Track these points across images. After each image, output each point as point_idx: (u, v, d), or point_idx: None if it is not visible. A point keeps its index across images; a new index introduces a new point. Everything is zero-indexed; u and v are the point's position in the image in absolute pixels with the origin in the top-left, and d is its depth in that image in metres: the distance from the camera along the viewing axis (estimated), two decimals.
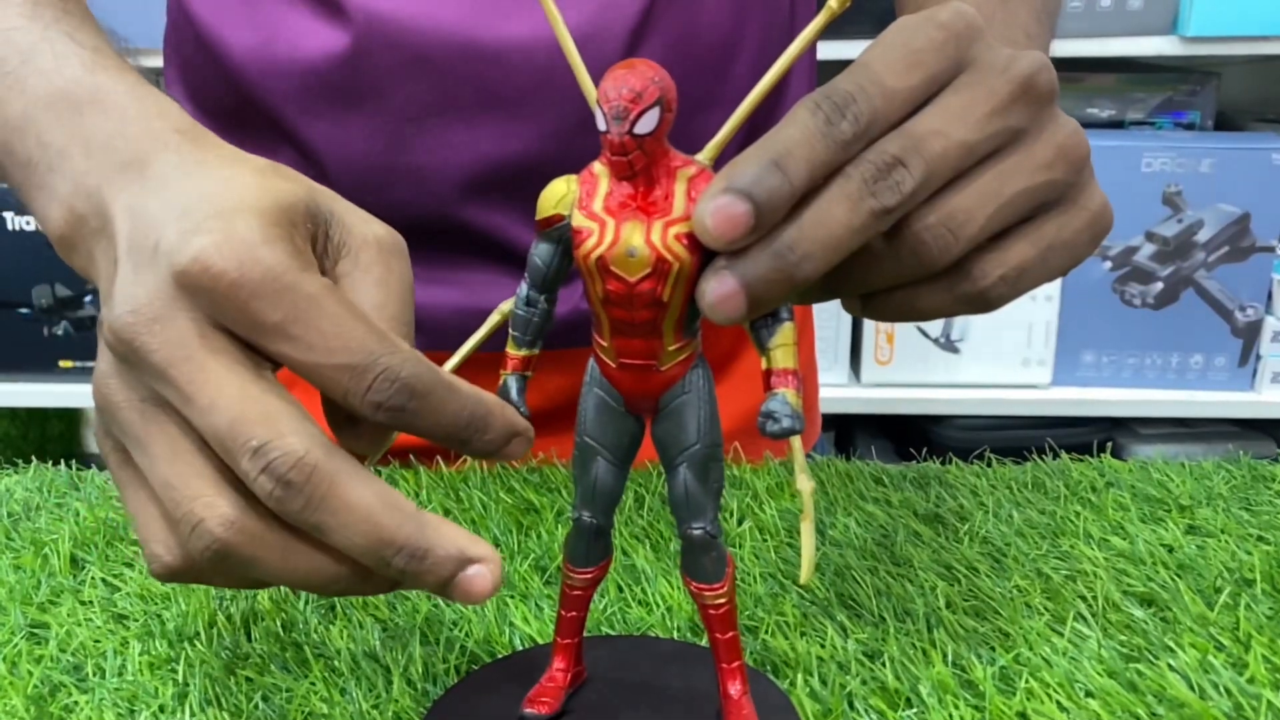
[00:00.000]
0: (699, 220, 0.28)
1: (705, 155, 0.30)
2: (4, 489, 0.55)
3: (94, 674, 0.39)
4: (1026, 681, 0.37)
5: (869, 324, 1.28)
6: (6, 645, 0.40)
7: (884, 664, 0.38)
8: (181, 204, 0.30)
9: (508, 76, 0.52)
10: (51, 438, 1.74)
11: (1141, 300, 1.23)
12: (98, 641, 0.41)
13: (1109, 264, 1.23)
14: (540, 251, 0.31)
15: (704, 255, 0.29)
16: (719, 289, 0.28)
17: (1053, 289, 1.21)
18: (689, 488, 0.32)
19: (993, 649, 0.40)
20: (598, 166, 0.29)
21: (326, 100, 0.54)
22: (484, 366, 0.53)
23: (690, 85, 0.55)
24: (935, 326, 1.26)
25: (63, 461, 0.59)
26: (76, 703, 0.37)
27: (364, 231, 0.32)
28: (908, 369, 1.27)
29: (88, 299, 1.33)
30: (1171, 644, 0.40)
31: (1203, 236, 1.20)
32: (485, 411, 0.30)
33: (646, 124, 0.27)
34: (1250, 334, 1.25)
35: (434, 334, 0.59)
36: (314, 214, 0.31)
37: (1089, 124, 1.29)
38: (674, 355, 0.30)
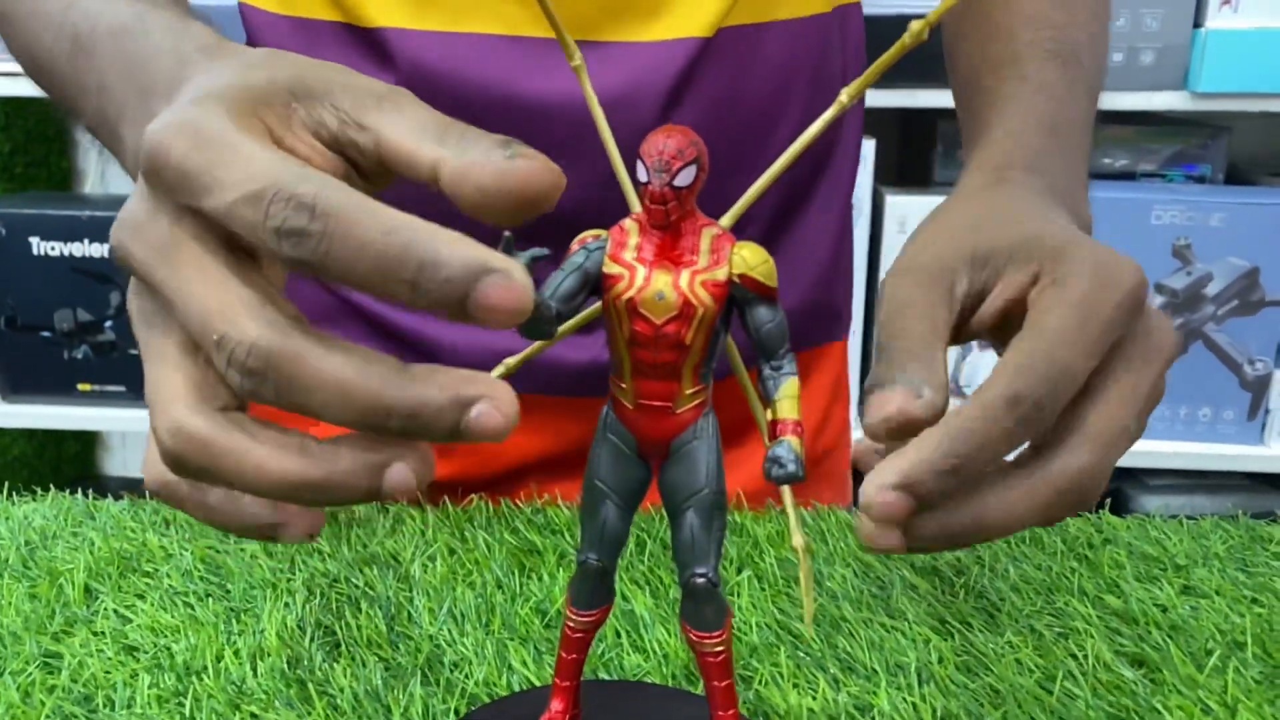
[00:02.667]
0: (865, 498, 0.30)
1: (724, 222, 0.32)
2: (22, 516, 0.57)
3: (104, 706, 0.40)
4: None
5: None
6: (21, 674, 0.42)
7: (874, 718, 0.39)
8: (166, 104, 0.30)
9: (546, 130, 0.53)
10: (67, 458, 1.76)
11: None
12: (108, 673, 0.42)
13: None
14: (565, 264, 0.31)
15: (726, 304, 0.31)
16: (889, 513, 0.29)
17: None
18: (694, 533, 0.33)
19: (981, 706, 0.40)
20: (628, 223, 0.31)
21: None
22: None
23: (727, 150, 0.55)
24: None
25: (79, 489, 0.61)
26: None
27: (370, 88, 0.30)
28: None
29: (108, 324, 1.35)
30: (1159, 706, 0.40)
31: (1212, 289, 1.21)
32: (430, 239, 0.25)
33: (684, 178, 0.29)
34: (1259, 388, 1.25)
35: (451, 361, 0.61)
36: (303, 90, 0.30)
37: (1102, 174, 1.30)
38: (689, 399, 0.32)
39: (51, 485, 0.61)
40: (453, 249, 0.25)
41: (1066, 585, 0.50)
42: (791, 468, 0.30)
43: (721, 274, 0.30)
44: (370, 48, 0.54)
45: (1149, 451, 1.26)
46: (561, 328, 0.32)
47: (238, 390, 0.27)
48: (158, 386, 0.28)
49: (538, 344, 0.34)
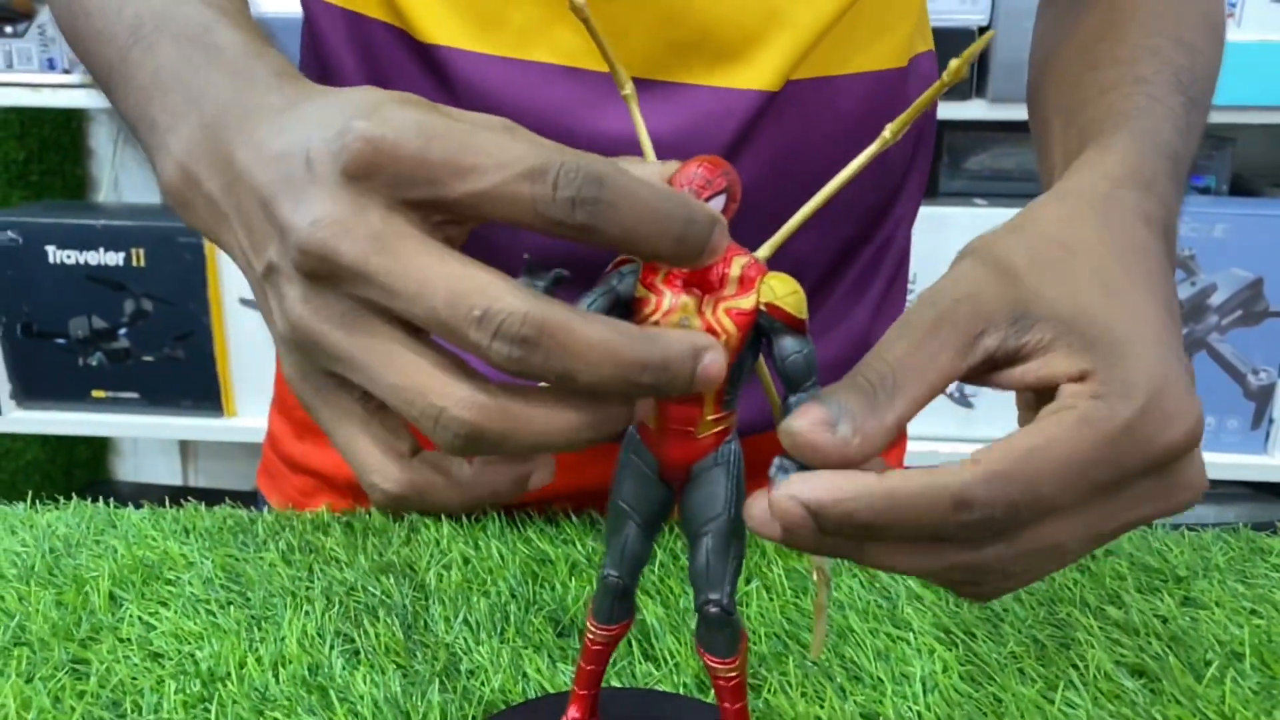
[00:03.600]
0: (774, 492, 0.28)
1: (762, 253, 0.32)
2: (45, 524, 0.58)
3: (132, 711, 0.41)
4: None
5: None
6: (51, 680, 0.43)
7: None
8: (314, 120, 0.30)
9: None
10: (78, 463, 1.77)
11: None
12: (135, 679, 0.43)
13: None
14: (597, 287, 0.32)
15: (750, 332, 0.31)
16: (791, 523, 0.28)
17: None
18: (710, 559, 0.33)
19: (985, 714, 0.41)
20: None
21: None
22: None
23: (791, 201, 0.55)
24: None
25: (93, 494, 0.62)
26: None
27: (494, 122, 0.32)
28: (921, 423, 1.29)
29: (121, 331, 1.36)
30: (1158, 715, 0.41)
31: (1216, 300, 1.22)
32: (672, 192, 0.29)
33: (713, 207, 0.30)
34: (1263, 398, 1.26)
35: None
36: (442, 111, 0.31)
37: None
38: (711, 425, 0.32)
39: (64, 490, 0.63)
40: (699, 206, 0.29)
41: (1069, 596, 0.51)
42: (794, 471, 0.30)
43: (748, 303, 0.31)
44: (426, 63, 0.54)
45: None
46: None
47: (502, 361, 0.27)
48: (412, 378, 0.28)
49: None
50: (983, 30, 1.21)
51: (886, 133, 0.31)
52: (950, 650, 0.46)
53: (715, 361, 0.28)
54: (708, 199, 0.30)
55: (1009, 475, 0.27)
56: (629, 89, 0.34)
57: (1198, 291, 1.22)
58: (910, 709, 0.42)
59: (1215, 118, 1.20)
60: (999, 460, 0.28)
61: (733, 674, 0.34)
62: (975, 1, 1.19)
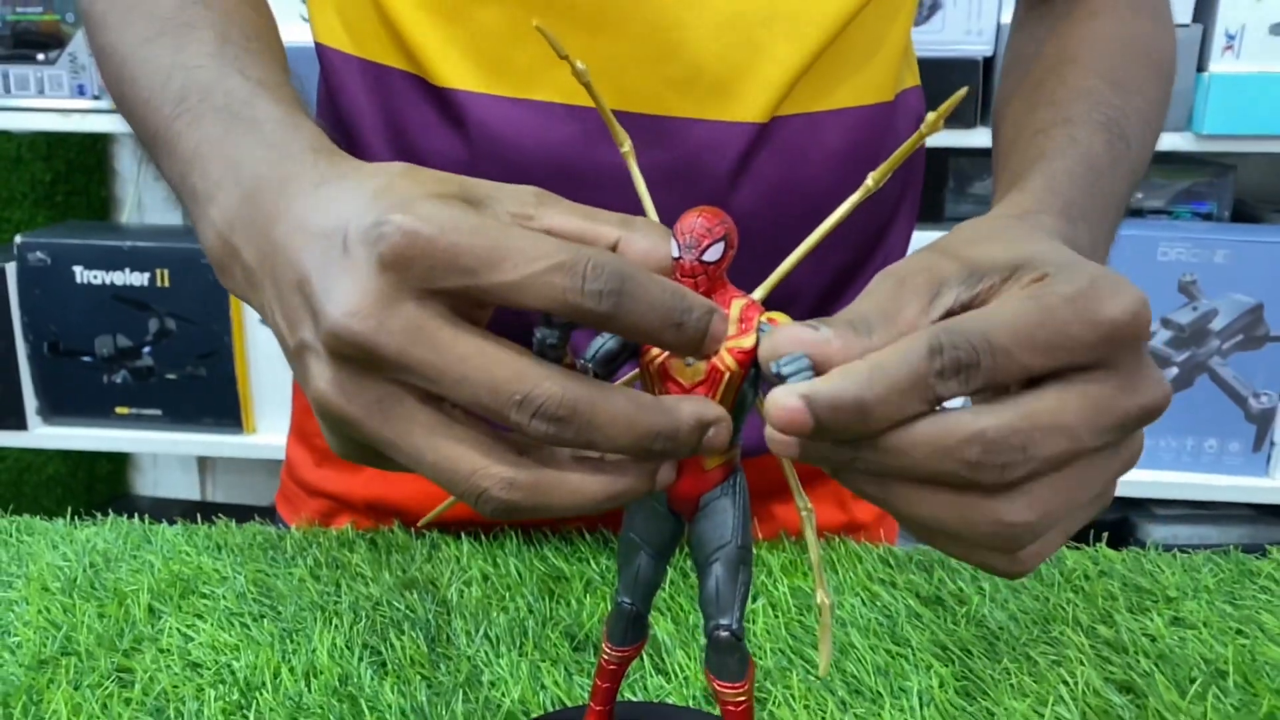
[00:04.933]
0: (770, 400, 0.30)
1: (758, 294, 0.35)
2: (85, 539, 0.61)
3: (175, 717, 0.44)
4: None
5: None
6: (98, 688, 0.46)
7: None
8: (351, 202, 0.31)
9: (603, 200, 0.55)
10: (99, 478, 1.81)
11: None
12: (177, 687, 0.46)
13: None
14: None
15: (751, 369, 0.33)
16: (789, 420, 0.29)
17: None
18: (720, 586, 0.35)
19: None
20: None
21: None
22: None
23: (785, 233, 0.55)
24: (954, 400, 1.29)
25: (118, 512, 0.65)
26: None
27: (521, 191, 0.34)
28: None
29: (146, 349, 1.40)
30: None
31: (1217, 324, 1.24)
32: (679, 289, 0.31)
33: (713, 254, 0.33)
34: (1264, 421, 1.27)
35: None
36: (471, 198, 0.33)
37: None
38: (717, 459, 0.34)
39: (85, 504, 0.65)
40: (692, 296, 0.32)
41: (1062, 615, 0.54)
42: (803, 361, 0.31)
43: (748, 342, 0.33)
44: (441, 105, 0.56)
45: (1155, 482, 1.29)
46: None
47: (540, 436, 0.30)
48: (453, 459, 0.30)
49: None
50: (989, 61, 1.24)
51: (869, 181, 0.33)
52: (947, 666, 0.48)
53: (719, 433, 0.32)
54: (708, 245, 0.32)
55: (963, 325, 0.30)
56: (627, 146, 0.37)
57: (1199, 316, 1.24)
58: None
59: (1216, 146, 1.23)
60: (956, 319, 0.30)
61: (741, 698, 0.36)
62: (980, 33, 1.22)
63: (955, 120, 1.21)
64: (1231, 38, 1.19)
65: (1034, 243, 0.35)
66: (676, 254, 0.33)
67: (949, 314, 0.32)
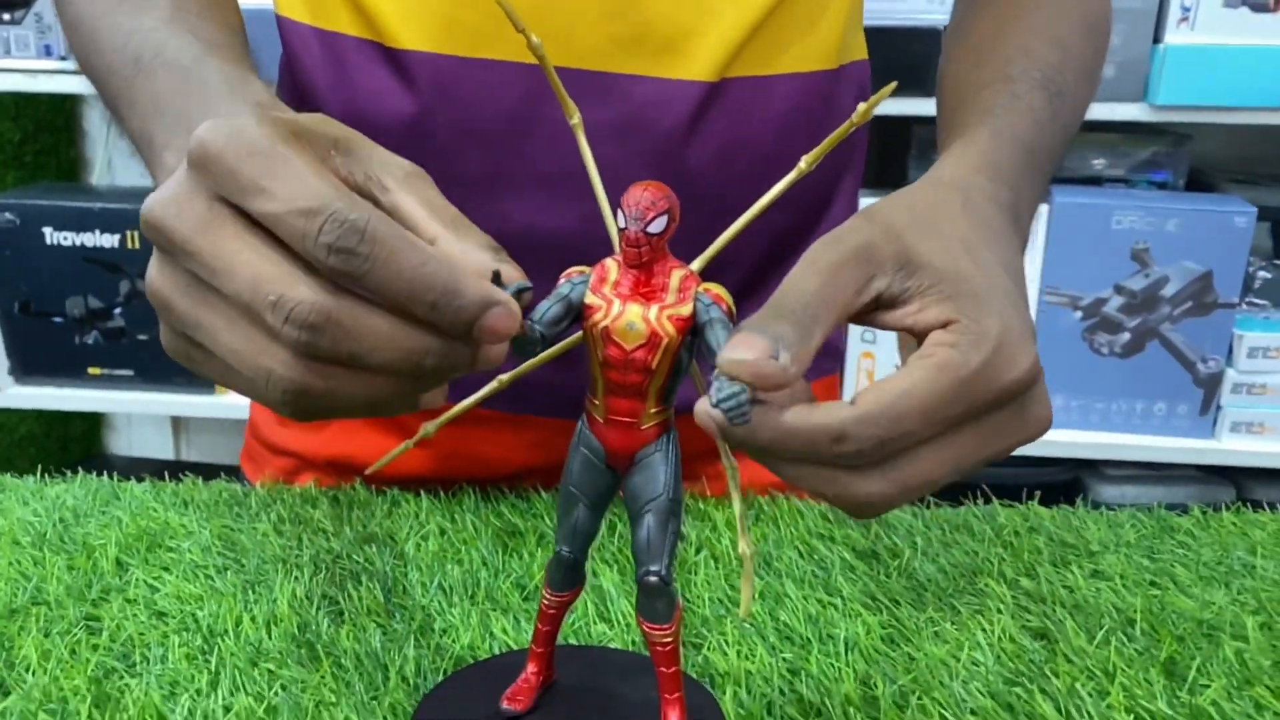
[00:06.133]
0: (697, 409, 0.33)
1: (695, 265, 0.37)
2: (55, 495, 0.63)
3: (141, 661, 0.46)
4: (920, 699, 0.44)
5: (850, 359, 1.35)
6: (67, 635, 0.48)
7: (803, 680, 0.46)
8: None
9: (555, 157, 0.57)
10: (73, 437, 1.82)
11: (1109, 349, 1.30)
12: (142, 634, 0.48)
13: (1079, 314, 1.30)
14: (552, 295, 0.37)
15: (688, 335, 0.36)
16: (712, 429, 0.33)
17: None
18: (650, 535, 0.37)
19: (896, 669, 0.47)
20: (609, 262, 0.37)
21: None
22: (484, 423, 0.59)
23: (731, 193, 0.59)
24: None
25: (90, 467, 0.67)
26: (128, 685, 0.44)
27: (404, 163, 0.36)
28: None
29: (117, 310, 1.41)
30: (1049, 672, 0.47)
31: (1168, 291, 1.27)
32: (452, 273, 0.31)
33: (656, 226, 0.35)
34: (1211, 385, 1.31)
35: (452, 385, 0.65)
36: (344, 146, 0.35)
37: (1070, 179, 1.36)
38: (653, 417, 0.37)
39: (59, 463, 0.67)
40: (470, 283, 0.32)
41: (989, 569, 0.57)
42: (735, 388, 0.33)
43: (686, 309, 0.36)
44: (394, 67, 0.58)
45: (1106, 444, 1.33)
46: (545, 353, 0.38)
47: (292, 344, 0.31)
48: (243, 346, 0.32)
49: (526, 364, 0.40)
50: None
51: (802, 164, 0.36)
52: (875, 615, 0.52)
53: (500, 317, 0.33)
54: (653, 218, 0.35)
55: (877, 418, 0.33)
56: (576, 119, 0.39)
57: (1151, 283, 1.28)
58: (832, 666, 0.47)
59: (1173, 117, 1.26)
60: (873, 403, 0.33)
61: (668, 639, 0.38)
62: (942, 3, 1.24)
63: (917, 88, 1.23)
64: (1187, 10, 1.21)
65: (967, 251, 0.38)
66: (623, 225, 0.35)
67: (876, 298, 0.36)
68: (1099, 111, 1.25)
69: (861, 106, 0.35)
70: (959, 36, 0.62)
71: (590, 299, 0.36)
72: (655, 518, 0.37)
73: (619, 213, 0.35)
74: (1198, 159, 1.43)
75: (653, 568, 0.37)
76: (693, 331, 0.36)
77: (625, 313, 0.36)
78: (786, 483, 0.36)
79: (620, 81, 0.56)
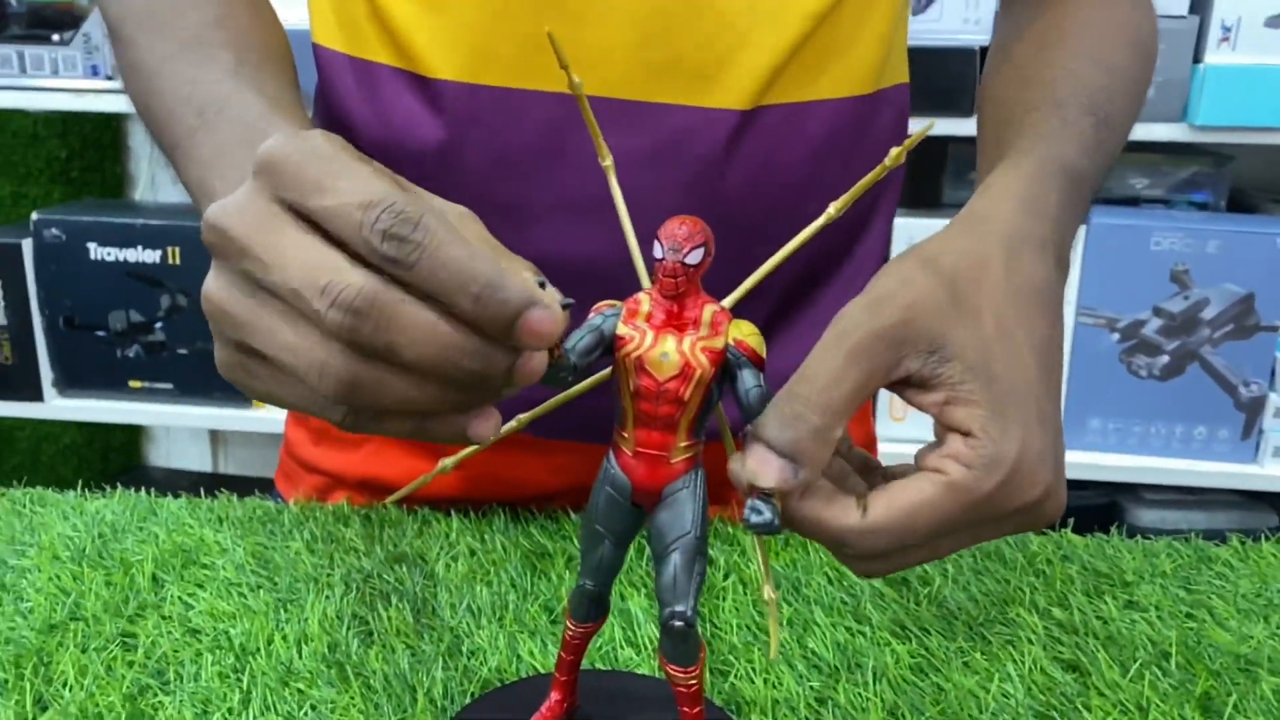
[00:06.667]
0: (735, 473, 0.37)
1: (726, 302, 0.37)
2: (95, 510, 0.64)
3: (174, 679, 0.47)
4: None
5: None
6: (103, 651, 0.49)
7: (830, 709, 0.45)
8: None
9: (584, 185, 0.57)
10: (114, 448, 1.85)
11: (1148, 371, 1.29)
12: (177, 652, 0.49)
13: (1116, 335, 1.29)
14: (584, 325, 0.37)
15: (720, 370, 0.36)
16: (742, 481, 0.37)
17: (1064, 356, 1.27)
18: (677, 575, 0.36)
19: (924, 700, 0.46)
20: (641, 295, 0.37)
21: (427, 185, 0.60)
22: (514, 446, 0.58)
23: (763, 220, 0.59)
24: None
25: (128, 479, 0.68)
26: (161, 703, 0.45)
27: (450, 206, 0.36)
28: (921, 427, 1.33)
29: (158, 324, 1.43)
30: (1081, 705, 0.46)
31: (1208, 314, 1.25)
32: (497, 268, 0.32)
33: (693, 258, 0.35)
34: (1253, 409, 1.29)
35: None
36: (403, 184, 0.35)
37: (1108, 200, 1.35)
38: (683, 451, 0.37)
39: (100, 474, 0.69)
40: (514, 280, 0.33)
41: (1020, 598, 0.56)
42: (767, 515, 0.35)
43: (719, 343, 0.36)
44: (426, 95, 0.58)
45: (1144, 467, 1.31)
46: (575, 387, 0.38)
47: (335, 328, 0.32)
48: (297, 344, 0.33)
49: (549, 401, 0.40)
50: (985, 51, 1.25)
51: (831, 209, 0.36)
52: (904, 644, 0.51)
53: (544, 319, 0.33)
54: (689, 250, 0.35)
55: (882, 532, 0.36)
56: (608, 161, 0.39)
57: (1191, 305, 1.26)
58: (859, 695, 0.47)
59: (1214, 137, 1.25)
60: (881, 517, 0.36)
61: (692, 682, 0.38)
62: (978, 23, 1.23)
63: (953, 107, 1.22)
64: (1227, 29, 1.20)
65: (997, 339, 0.38)
66: (660, 255, 0.35)
67: (907, 378, 0.37)
68: (1138, 131, 1.23)
69: (894, 151, 0.35)
70: (1003, 55, 0.61)
71: (622, 329, 0.36)
72: (682, 556, 0.36)
73: (656, 244, 0.35)
74: (1239, 179, 1.41)
75: (678, 609, 0.36)
76: (723, 368, 0.36)
77: (659, 343, 0.36)
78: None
79: (654, 110, 0.57)
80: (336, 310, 0.31)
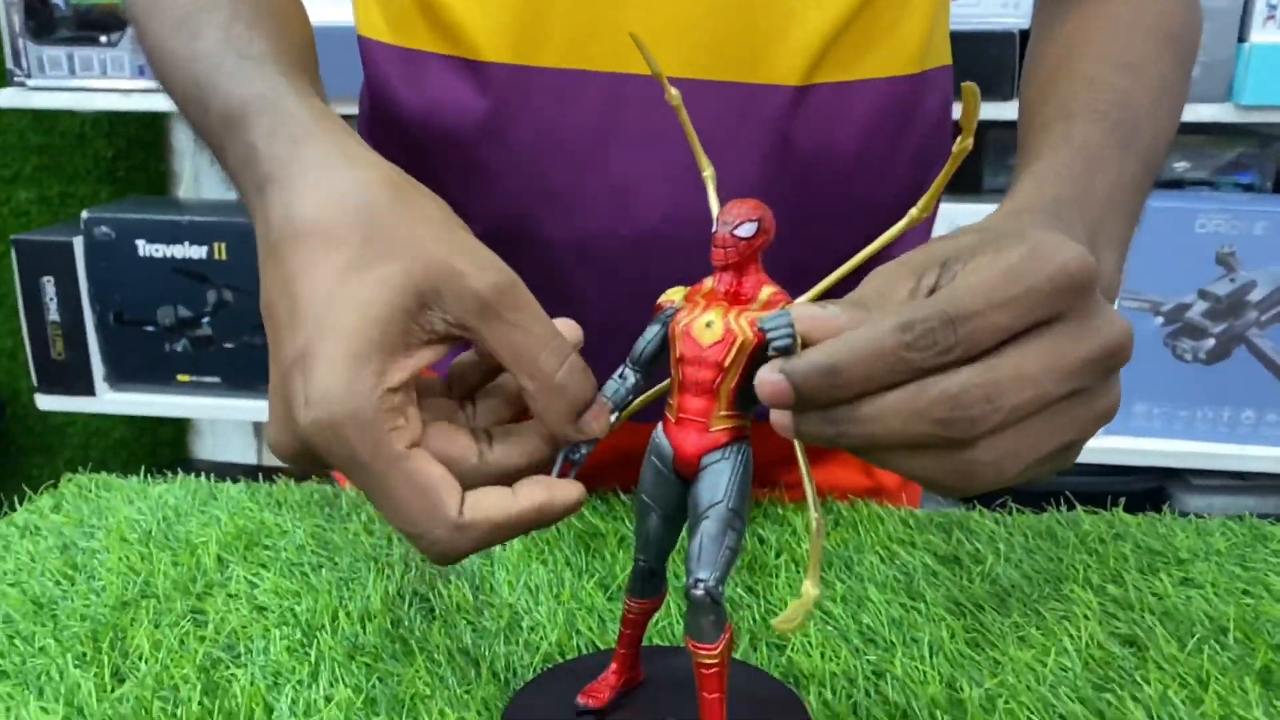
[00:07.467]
0: (757, 379, 0.34)
1: (807, 296, 0.38)
2: (158, 495, 0.66)
3: (245, 653, 0.48)
4: (1007, 703, 0.44)
5: None
6: (175, 627, 0.50)
7: (888, 681, 0.46)
8: (305, 334, 0.37)
9: (633, 165, 0.58)
10: (163, 442, 1.88)
11: (1193, 355, 1.27)
12: (245, 628, 0.50)
13: (1160, 319, 1.27)
14: (646, 331, 0.39)
15: (762, 339, 0.36)
16: (773, 391, 0.33)
17: None
18: (704, 541, 0.36)
19: (982, 673, 0.47)
20: (707, 280, 0.38)
21: (473, 166, 0.61)
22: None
23: (811, 200, 0.60)
24: None
25: (177, 471, 0.69)
26: (234, 675, 0.46)
27: (482, 286, 0.37)
28: None
29: (205, 320, 1.46)
30: (1140, 679, 0.46)
31: (1255, 296, 1.24)
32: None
33: (744, 231, 0.36)
34: None
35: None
36: (419, 302, 0.37)
37: (1159, 184, 1.33)
38: (723, 420, 0.37)
39: (149, 468, 0.70)
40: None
41: (1074, 575, 0.56)
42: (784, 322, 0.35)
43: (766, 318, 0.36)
44: (474, 79, 0.59)
45: (1191, 452, 1.30)
46: (638, 400, 0.40)
47: (425, 552, 0.38)
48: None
49: (647, 394, 0.42)
50: (1024, 34, 1.24)
51: (914, 211, 0.37)
52: (959, 620, 0.51)
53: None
54: (741, 223, 0.36)
55: (932, 300, 0.33)
56: (709, 172, 0.40)
57: (1238, 288, 1.24)
58: (917, 668, 0.47)
59: (1259, 117, 1.23)
60: (925, 298, 0.34)
61: (713, 661, 0.37)
62: (1016, 6, 1.22)
63: (993, 93, 1.22)
64: (1273, 8, 1.18)
65: (1002, 230, 0.38)
66: (715, 229, 0.37)
67: (931, 292, 0.36)
68: (1185, 112, 1.22)
69: (962, 141, 0.35)
70: (1034, 59, 0.61)
71: (681, 304, 0.38)
72: (714, 523, 0.36)
73: (715, 223, 0.37)
74: None
75: (701, 575, 0.35)
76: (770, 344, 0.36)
77: (706, 313, 0.37)
78: (901, 475, 0.36)
79: (704, 88, 0.57)
80: (424, 548, 0.37)
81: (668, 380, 0.39)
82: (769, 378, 0.33)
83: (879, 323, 0.33)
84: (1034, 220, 0.43)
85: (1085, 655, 0.48)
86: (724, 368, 0.37)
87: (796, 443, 0.36)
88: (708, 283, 0.38)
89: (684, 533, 0.39)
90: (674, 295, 0.39)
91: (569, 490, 0.39)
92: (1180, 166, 1.35)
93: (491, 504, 0.37)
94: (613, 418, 0.40)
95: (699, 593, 0.36)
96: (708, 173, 0.41)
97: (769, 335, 0.35)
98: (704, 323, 0.37)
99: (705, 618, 0.36)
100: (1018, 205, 0.46)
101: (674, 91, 0.39)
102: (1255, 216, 1.22)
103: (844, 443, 0.34)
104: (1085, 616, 0.52)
